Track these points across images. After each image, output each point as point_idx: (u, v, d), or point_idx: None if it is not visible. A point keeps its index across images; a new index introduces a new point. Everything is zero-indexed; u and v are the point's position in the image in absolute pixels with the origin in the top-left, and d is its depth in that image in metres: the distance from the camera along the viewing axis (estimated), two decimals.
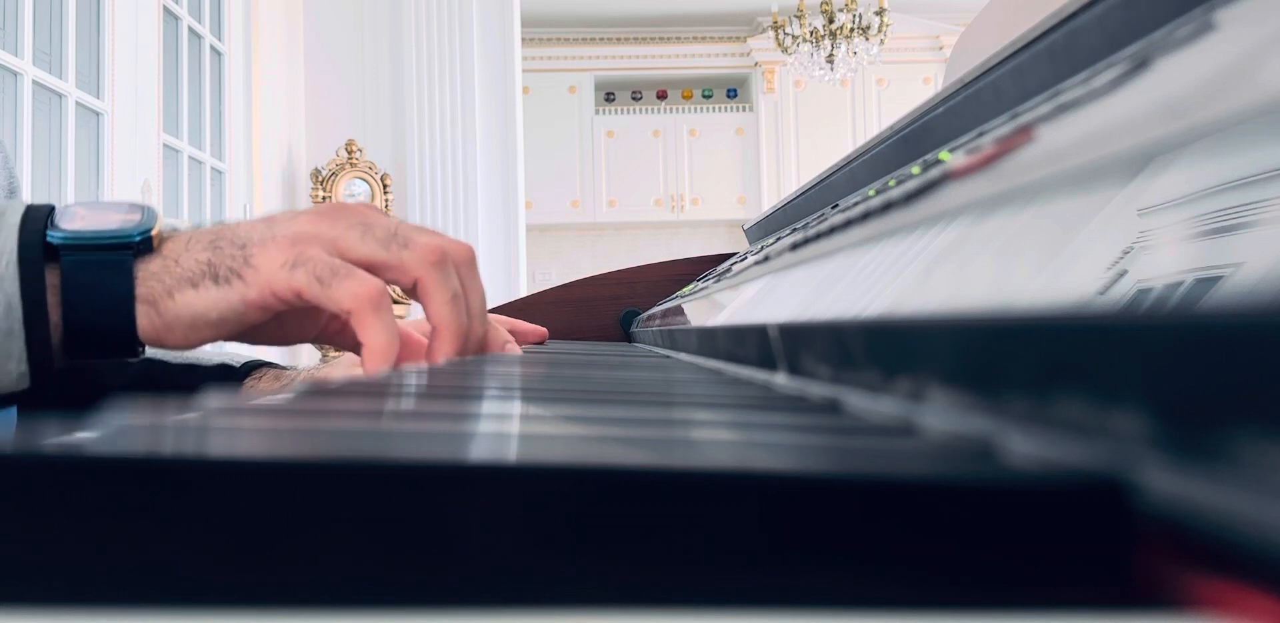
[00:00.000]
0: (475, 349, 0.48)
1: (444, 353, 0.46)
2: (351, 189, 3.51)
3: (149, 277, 0.44)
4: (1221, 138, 0.15)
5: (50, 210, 0.44)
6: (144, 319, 0.43)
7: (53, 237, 0.43)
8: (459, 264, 0.46)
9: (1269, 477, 0.10)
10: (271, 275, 0.43)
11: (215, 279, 0.43)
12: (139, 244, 0.44)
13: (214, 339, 0.45)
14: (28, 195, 0.77)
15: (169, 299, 0.43)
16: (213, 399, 0.20)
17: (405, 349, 0.53)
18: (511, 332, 0.74)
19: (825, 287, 0.36)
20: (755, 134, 6.37)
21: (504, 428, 0.20)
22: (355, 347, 0.52)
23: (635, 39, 6.41)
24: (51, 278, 0.43)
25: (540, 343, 0.77)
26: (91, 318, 0.43)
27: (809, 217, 0.77)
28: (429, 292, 0.45)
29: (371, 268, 0.44)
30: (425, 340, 0.49)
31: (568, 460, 0.13)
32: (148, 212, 0.45)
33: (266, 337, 0.49)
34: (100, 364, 0.47)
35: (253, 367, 0.63)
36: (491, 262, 3.54)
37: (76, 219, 0.44)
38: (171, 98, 2.89)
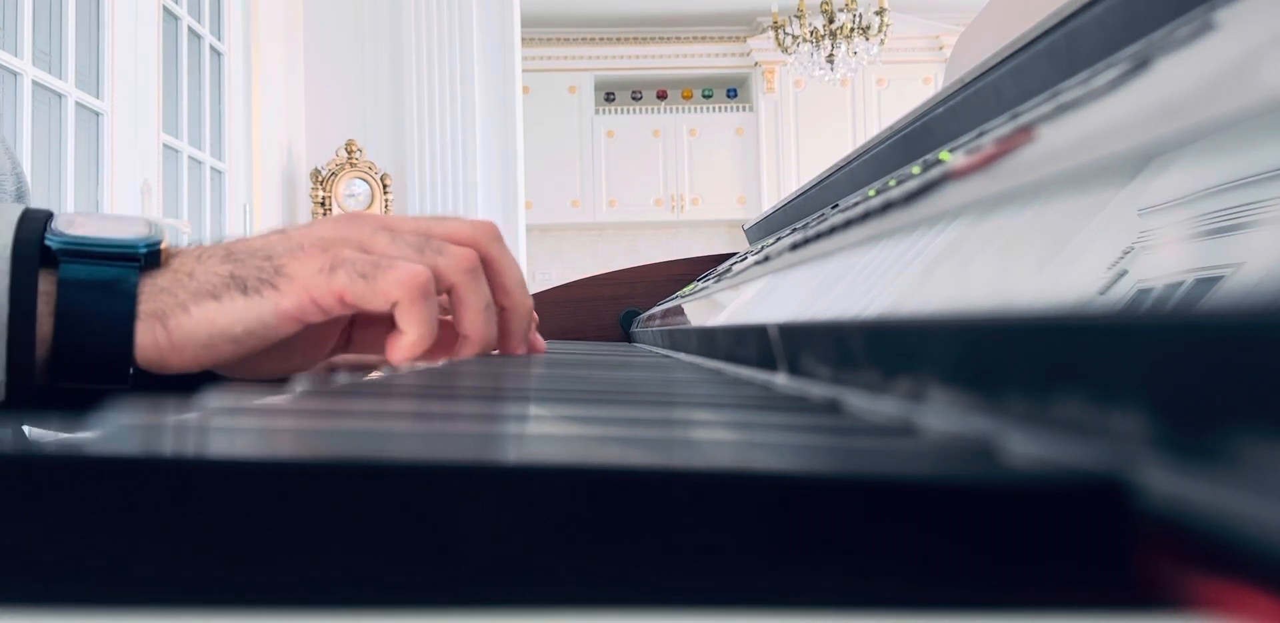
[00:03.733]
0: (525, 327, 0.48)
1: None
2: (351, 189, 3.51)
3: (158, 291, 0.40)
4: (1221, 138, 0.15)
5: (49, 215, 0.41)
6: (147, 337, 0.39)
7: (51, 240, 0.39)
8: (489, 252, 0.45)
9: (1269, 477, 0.10)
10: (309, 281, 0.40)
11: (243, 290, 0.40)
12: (146, 256, 0.40)
13: (228, 360, 0.41)
14: (30, 195, 0.77)
15: (183, 314, 0.40)
16: (213, 399, 0.20)
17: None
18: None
19: (825, 287, 0.36)
20: (755, 134, 6.37)
21: (504, 428, 0.20)
22: (374, 348, 0.49)
23: (635, 39, 6.41)
24: (46, 285, 0.39)
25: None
26: (87, 334, 0.39)
27: (809, 217, 0.77)
28: (464, 301, 0.44)
29: None
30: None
31: (568, 461, 0.13)
32: (155, 226, 0.42)
33: (267, 367, 0.45)
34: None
35: None
36: None
37: (77, 225, 0.40)
38: (171, 98, 2.89)
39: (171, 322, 0.40)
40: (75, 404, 0.40)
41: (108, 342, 0.39)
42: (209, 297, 0.40)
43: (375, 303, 0.41)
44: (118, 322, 0.39)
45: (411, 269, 0.41)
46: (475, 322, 0.44)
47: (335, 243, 0.42)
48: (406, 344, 0.42)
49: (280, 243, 0.42)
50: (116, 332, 0.39)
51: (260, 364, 0.45)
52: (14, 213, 0.40)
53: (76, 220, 0.40)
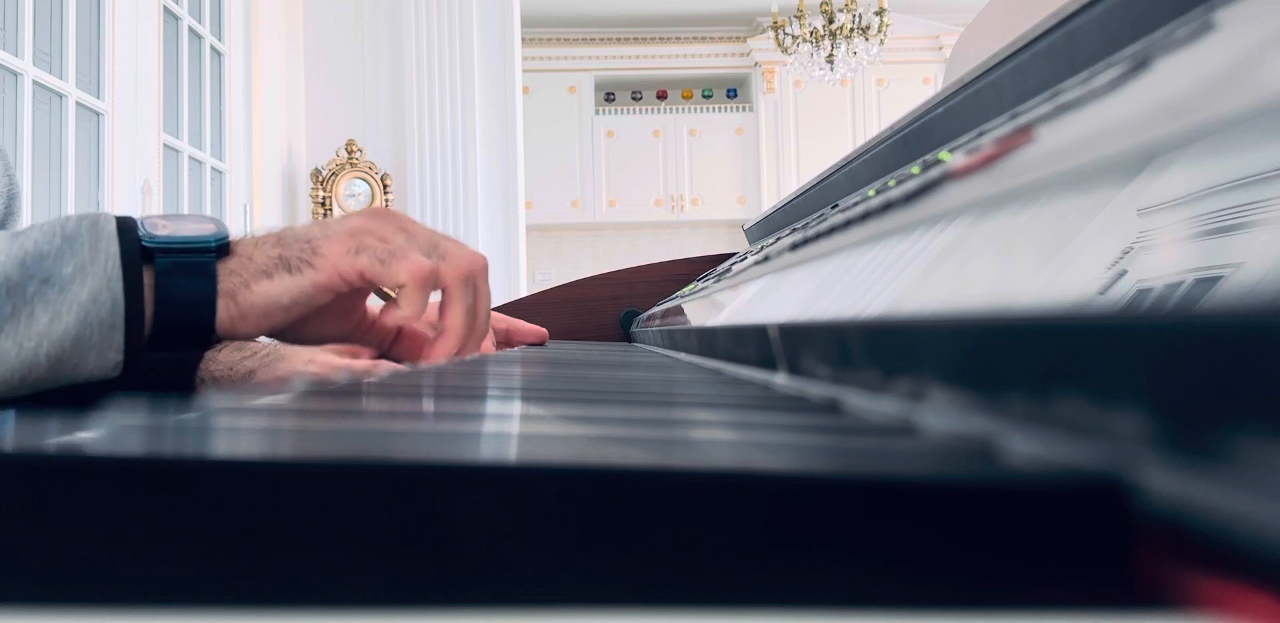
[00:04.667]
0: (475, 349, 0.56)
1: (443, 352, 0.54)
2: (351, 189, 3.51)
3: (229, 273, 0.50)
4: (1221, 138, 0.15)
5: (133, 221, 0.50)
6: (222, 311, 0.49)
7: (148, 241, 0.49)
8: (478, 276, 0.54)
9: (1269, 477, 0.10)
10: (338, 260, 0.50)
11: (289, 268, 0.50)
12: (219, 248, 0.50)
13: (281, 324, 0.52)
14: (28, 196, 0.79)
15: (247, 290, 0.50)
16: (213, 399, 0.20)
17: (408, 340, 0.60)
18: (509, 331, 0.76)
19: (825, 287, 0.36)
20: (755, 134, 6.36)
21: (505, 428, 0.20)
22: (376, 345, 0.60)
23: (635, 39, 6.40)
24: (146, 277, 0.49)
25: (540, 344, 0.78)
26: (180, 312, 0.49)
27: (809, 217, 0.77)
28: (453, 300, 0.53)
29: None
30: (426, 333, 0.58)
31: (569, 461, 0.13)
32: (219, 223, 0.52)
33: (309, 332, 0.56)
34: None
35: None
36: (492, 262, 3.52)
37: (159, 228, 0.50)
38: (171, 98, 2.89)
39: (239, 297, 0.50)
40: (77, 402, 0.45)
41: (196, 316, 0.49)
42: (264, 276, 0.50)
43: (387, 282, 0.51)
44: (203, 299, 0.49)
45: (420, 261, 0.51)
46: (458, 320, 0.53)
47: (361, 232, 0.52)
48: (400, 315, 0.51)
49: (319, 230, 0.52)
50: (203, 307, 0.49)
51: (304, 330, 0.55)
52: (110, 224, 0.49)
53: (159, 223, 0.50)
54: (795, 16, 5.20)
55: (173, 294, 0.49)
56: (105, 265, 0.47)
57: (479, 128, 3.65)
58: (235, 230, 0.52)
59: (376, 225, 0.53)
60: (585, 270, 1.91)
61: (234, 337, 0.51)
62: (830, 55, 5.11)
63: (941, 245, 0.26)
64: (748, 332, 0.43)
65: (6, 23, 2.13)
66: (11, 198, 0.76)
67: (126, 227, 0.49)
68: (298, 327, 0.54)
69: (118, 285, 0.47)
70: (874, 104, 6.30)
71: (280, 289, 0.50)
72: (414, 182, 3.60)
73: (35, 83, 2.20)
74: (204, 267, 0.49)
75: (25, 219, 0.77)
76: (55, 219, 0.49)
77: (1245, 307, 0.10)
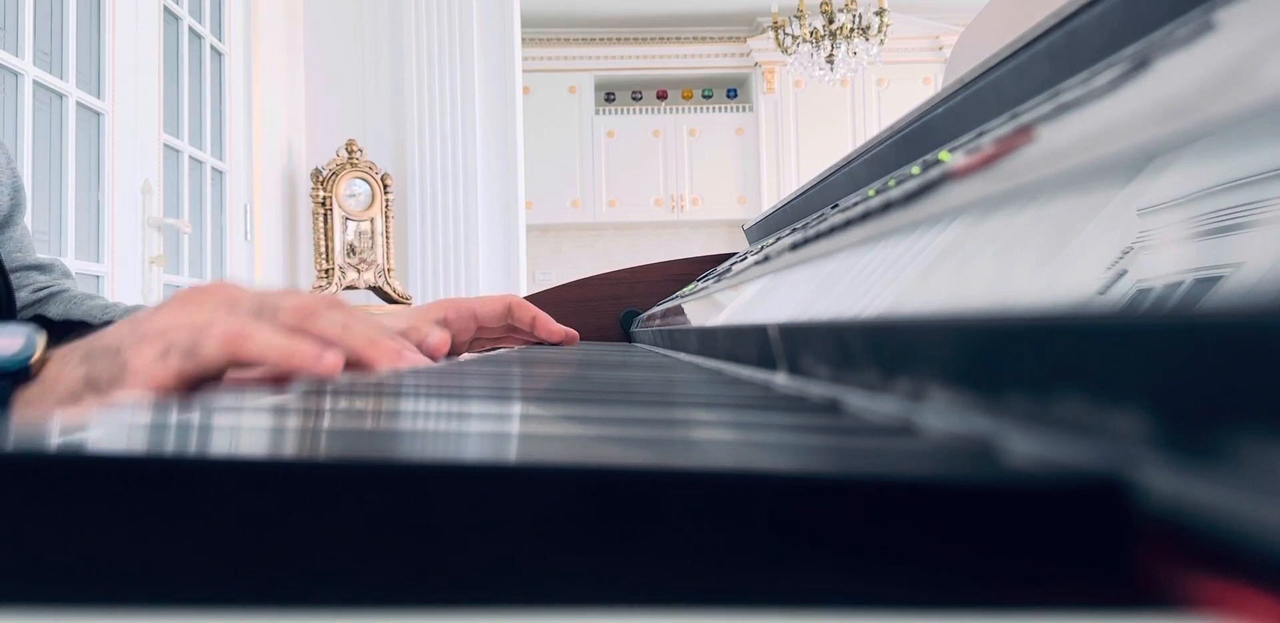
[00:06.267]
0: (393, 355, 0.46)
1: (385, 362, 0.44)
2: (352, 189, 3.51)
3: (27, 404, 0.42)
4: (1221, 138, 0.15)
5: None
6: None
7: None
8: (326, 305, 0.45)
9: (1269, 477, 0.10)
10: (150, 370, 0.41)
11: (97, 390, 0.42)
12: (17, 373, 0.42)
13: None
14: (29, 196, 0.78)
15: None
16: (213, 399, 0.20)
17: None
18: (535, 319, 0.74)
19: (825, 287, 0.36)
20: (755, 134, 6.36)
21: (505, 428, 0.20)
22: None
23: (635, 39, 6.41)
24: None
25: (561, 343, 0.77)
26: None
27: (809, 217, 0.77)
28: (324, 335, 0.43)
29: None
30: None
31: (569, 461, 0.13)
32: (29, 337, 0.43)
33: None
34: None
35: None
36: (491, 262, 3.54)
37: None
38: (172, 98, 2.89)
39: None
40: None
41: None
42: (71, 401, 0.42)
43: (213, 368, 0.42)
44: None
45: (221, 325, 0.42)
46: (358, 346, 0.44)
47: (172, 329, 0.43)
48: (272, 371, 0.42)
49: (129, 334, 0.43)
50: None
51: None
52: None
53: None
54: (795, 16, 5.20)
55: None
56: None
57: (479, 128, 3.65)
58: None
59: (192, 312, 0.44)
60: (585, 270, 1.91)
61: None
62: (830, 55, 5.11)
63: (941, 245, 0.26)
64: (748, 332, 0.43)
65: (6, 23, 2.13)
66: (15, 190, 0.74)
67: None
68: None
69: None
70: (874, 104, 6.30)
71: None
72: (414, 182, 3.60)
73: (35, 83, 2.20)
74: None
75: (29, 214, 0.77)
76: None
77: (1245, 307, 0.10)
